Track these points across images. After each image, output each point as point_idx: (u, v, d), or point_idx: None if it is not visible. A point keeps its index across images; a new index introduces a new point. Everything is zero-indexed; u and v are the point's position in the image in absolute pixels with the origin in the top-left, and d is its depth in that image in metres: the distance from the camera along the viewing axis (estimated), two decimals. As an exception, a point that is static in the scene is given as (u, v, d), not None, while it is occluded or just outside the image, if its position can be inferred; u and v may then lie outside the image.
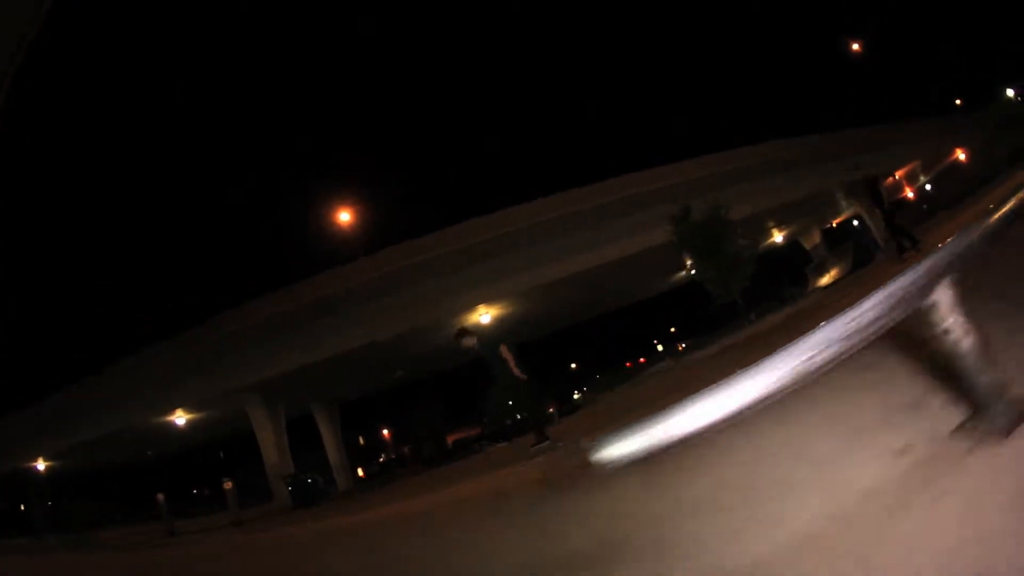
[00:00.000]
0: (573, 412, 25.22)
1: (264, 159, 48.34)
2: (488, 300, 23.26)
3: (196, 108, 44.28)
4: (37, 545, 17.28)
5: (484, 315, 23.55)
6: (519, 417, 25.55)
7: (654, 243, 23.02)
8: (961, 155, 39.85)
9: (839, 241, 37.92)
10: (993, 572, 1.66)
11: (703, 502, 2.94)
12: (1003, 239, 2.69)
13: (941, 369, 2.68)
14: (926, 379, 2.91)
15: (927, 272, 2.20)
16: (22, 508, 24.36)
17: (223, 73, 47.30)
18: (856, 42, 33.94)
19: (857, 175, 17.48)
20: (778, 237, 36.16)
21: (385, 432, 44.62)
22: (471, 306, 23.09)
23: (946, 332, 2.25)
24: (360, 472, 36.58)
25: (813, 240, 38.27)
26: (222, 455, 35.87)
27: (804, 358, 1.91)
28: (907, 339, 3.15)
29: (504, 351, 6.87)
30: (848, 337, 1.98)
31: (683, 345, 41.27)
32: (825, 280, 31.17)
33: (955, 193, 32.29)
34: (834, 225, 40.38)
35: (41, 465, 24.98)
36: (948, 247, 2.33)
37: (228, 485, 13.13)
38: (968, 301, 2.27)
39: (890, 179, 38.55)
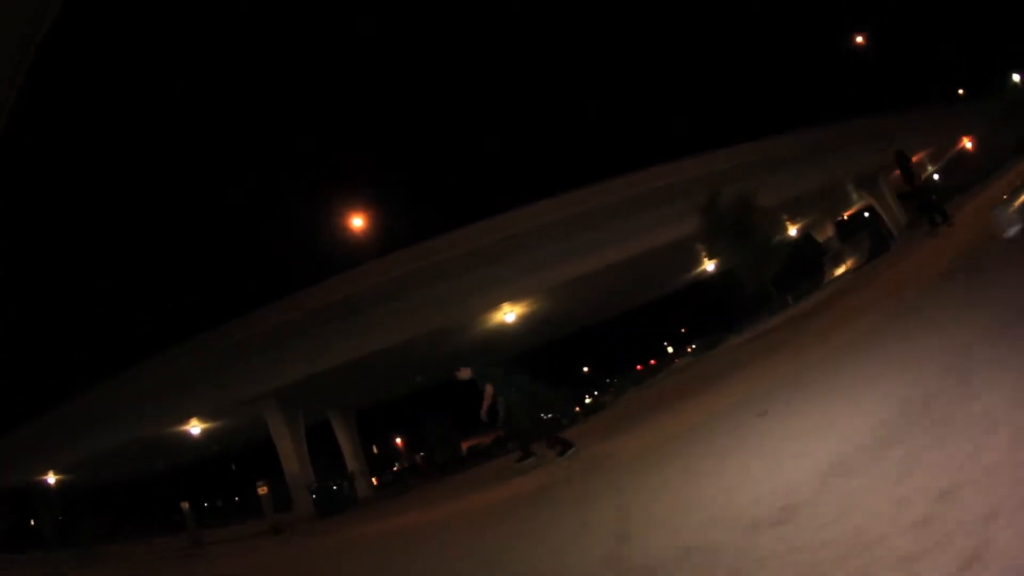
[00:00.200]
0: (598, 411, 24.80)
1: (276, 161, 47.97)
2: (513, 298, 22.77)
3: (204, 111, 43.92)
4: (47, 559, 16.55)
5: (509, 313, 23.05)
6: (541, 417, 25.05)
7: (676, 237, 22.79)
8: (968, 144, 39.83)
9: (851, 233, 37.78)
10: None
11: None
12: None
13: None
14: None
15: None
16: (32, 523, 23.54)
17: (228, 77, 47.03)
18: (858, 34, 33.81)
19: (890, 152, 17.42)
20: (792, 230, 35.88)
21: (398, 441, 43.85)
22: (496, 304, 22.58)
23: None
24: (374, 481, 35.85)
25: (826, 233, 38.07)
26: (234, 467, 35.04)
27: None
28: None
29: (488, 390, 7.05)
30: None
31: (691, 345, 40.63)
32: (841, 271, 30.93)
33: (964, 181, 32.17)
34: (845, 218, 40.24)
35: (52, 479, 24.17)
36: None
37: (263, 490, 12.50)
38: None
39: (898, 170, 38.59)
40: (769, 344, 10.59)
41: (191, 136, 45.23)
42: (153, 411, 22.63)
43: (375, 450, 41.92)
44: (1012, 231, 5.93)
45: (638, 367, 49.44)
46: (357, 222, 22.64)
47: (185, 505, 14.29)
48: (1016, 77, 35.44)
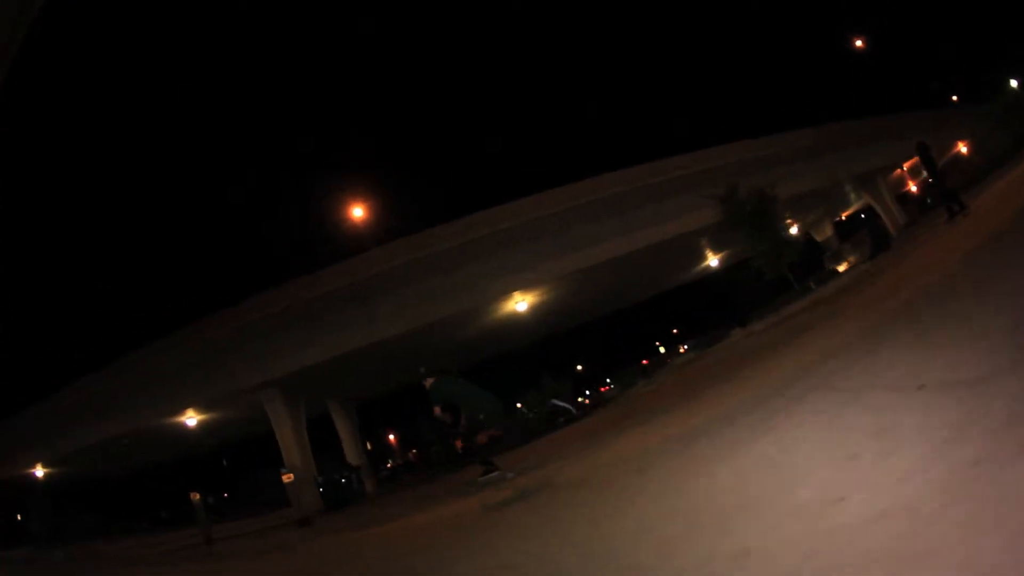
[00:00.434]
0: (605, 404, 24.57)
1: (278, 150, 47.14)
2: (522, 287, 22.32)
3: (204, 99, 42.93)
4: (37, 556, 15.67)
5: (520, 303, 22.59)
6: (558, 406, 24.66)
7: (689, 228, 22.64)
8: (963, 148, 40.25)
9: (850, 233, 38.06)
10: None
11: None
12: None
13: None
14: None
15: None
16: (19, 518, 22.43)
17: (230, 65, 46.11)
18: (856, 37, 33.99)
19: (912, 144, 17.57)
20: (792, 229, 35.95)
21: (391, 438, 43.10)
22: (506, 293, 22.11)
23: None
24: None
25: (825, 233, 38.25)
26: (225, 463, 34.03)
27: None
28: None
29: (437, 411, 6.99)
30: None
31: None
32: (843, 268, 31.05)
33: (964, 182, 32.43)
34: (843, 218, 40.49)
35: (40, 471, 23.05)
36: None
37: (289, 477, 11.71)
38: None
39: (898, 171, 38.93)
40: (810, 319, 10.21)
41: (191, 125, 44.25)
42: (149, 400, 21.81)
43: (369, 446, 41.14)
44: None
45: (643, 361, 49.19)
46: (358, 211, 22.14)
47: (196, 496, 13.45)
48: (1014, 83, 35.79)
